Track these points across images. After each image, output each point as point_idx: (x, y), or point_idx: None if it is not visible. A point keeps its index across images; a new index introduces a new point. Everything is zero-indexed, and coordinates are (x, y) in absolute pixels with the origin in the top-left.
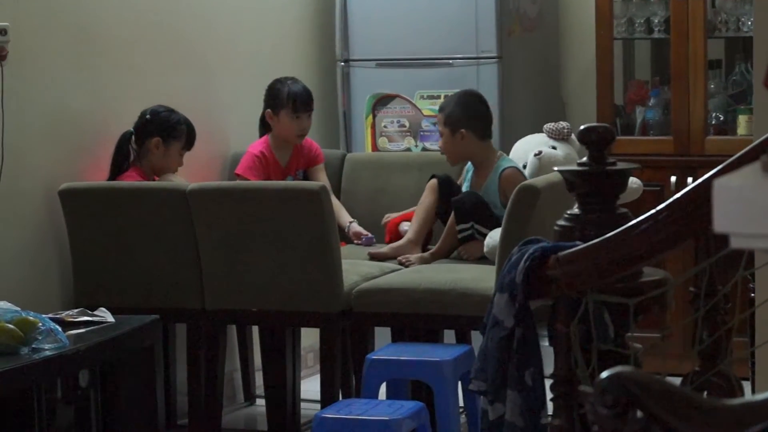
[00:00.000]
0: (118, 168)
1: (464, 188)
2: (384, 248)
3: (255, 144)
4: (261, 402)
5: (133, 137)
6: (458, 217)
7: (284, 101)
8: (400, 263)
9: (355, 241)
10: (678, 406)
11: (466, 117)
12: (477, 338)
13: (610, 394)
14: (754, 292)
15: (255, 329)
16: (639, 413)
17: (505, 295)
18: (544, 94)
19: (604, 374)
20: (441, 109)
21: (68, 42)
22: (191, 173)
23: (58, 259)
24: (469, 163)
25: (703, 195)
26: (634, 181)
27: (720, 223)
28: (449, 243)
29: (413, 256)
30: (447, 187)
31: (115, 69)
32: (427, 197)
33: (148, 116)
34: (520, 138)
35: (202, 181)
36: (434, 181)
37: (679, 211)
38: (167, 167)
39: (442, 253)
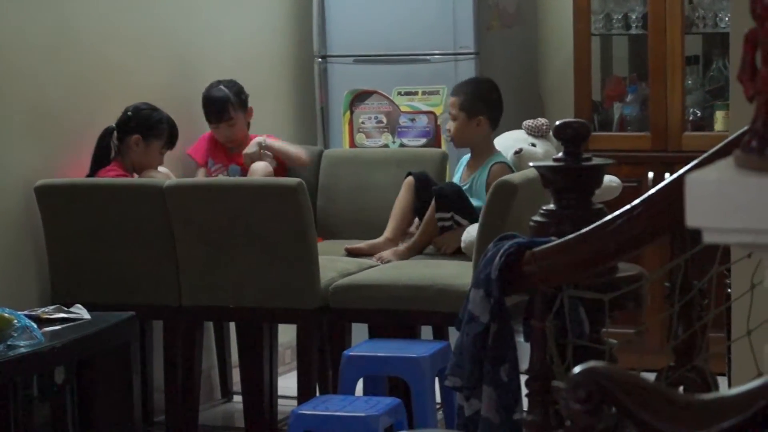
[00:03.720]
0: (98, 163)
1: (456, 176)
2: (361, 244)
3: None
4: (238, 398)
5: (115, 133)
6: (438, 206)
7: (203, 110)
8: (378, 260)
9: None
10: (651, 401)
11: (485, 104)
12: (454, 334)
13: (583, 389)
14: (730, 288)
15: (232, 326)
16: (612, 408)
17: (480, 291)
18: (522, 90)
19: (577, 369)
20: (455, 93)
21: (47, 37)
22: (168, 166)
23: (34, 256)
24: (465, 156)
25: (677, 190)
26: (613, 180)
27: (693, 218)
28: (427, 235)
29: (387, 252)
30: (424, 185)
31: (93, 65)
32: (404, 195)
33: (129, 113)
34: (499, 134)
35: (180, 175)
36: (411, 178)
37: (654, 207)
38: (147, 165)
39: (418, 246)
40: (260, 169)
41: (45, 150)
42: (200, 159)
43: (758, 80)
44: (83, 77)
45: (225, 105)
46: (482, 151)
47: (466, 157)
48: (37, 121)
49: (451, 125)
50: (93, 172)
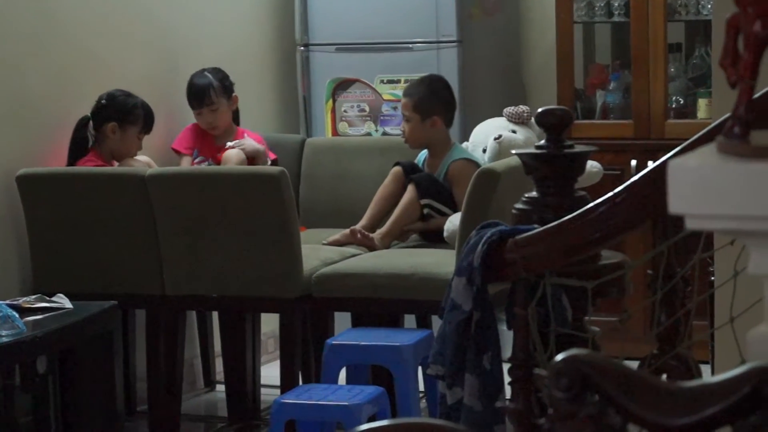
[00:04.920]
0: (75, 154)
1: None
2: (336, 235)
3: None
4: (221, 388)
5: (90, 122)
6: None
7: (186, 96)
8: (362, 243)
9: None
10: (634, 389)
11: (438, 104)
12: (437, 323)
13: (565, 376)
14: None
15: (215, 315)
16: (595, 396)
17: (463, 279)
18: (504, 78)
19: (559, 357)
20: (408, 94)
21: (28, 26)
22: (151, 157)
23: (16, 245)
24: (425, 150)
25: (660, 177)
26: (594, 165)
27: (675, 204)
28: (405, 220)
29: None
30: (412, 175)
31: (74, 53)
32: (390, 184)
33: (103, 101)
34: (481, 122)
35: (163, 165)
36: (399, 168)
37: (637, 194)
38: (125, 152)
39: (394, 232)
40: (233, 156)
41: (26, 139)
42: (184, 149)
43: (740, 66)
44: (65, 67)
45: (207, 90)
46: (439, 149)
47: (424, 152)
48: (18, 110)
49: (405, 126)
50: (71, 163)
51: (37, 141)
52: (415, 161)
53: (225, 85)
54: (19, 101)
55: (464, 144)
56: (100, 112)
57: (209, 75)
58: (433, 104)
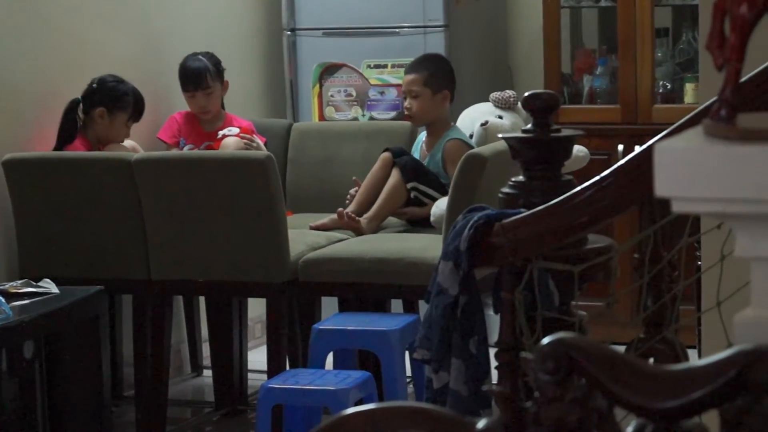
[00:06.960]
0: (65, 137)
1: (414, 155)
2: (324, 219)
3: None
4: (208, 373)
5: (81, 105)
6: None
7: (179, 79)
8: (348, 225)
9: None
10: (620, 372)
11: (449, 78)
12: (425, 308)
13: (551, 360)
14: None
15: (202, 300)
16: (581, 379)
17: (449, 263)
18: (491, 63)
19: (545, 340)
20: (415, 71)
21: (8, 10)
22: (137, 141)
23: (2, 230)
24: (423, 133)
25: (647, 161)
26: (580, 150)
27: (662, 187)
28: (392, 203)
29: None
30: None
31: (57, 37)
32: (378, 170)
33: (94, 85)
34: (467, 107)
35: (149, 151)
36: (388, 154)
37: (623, 178)
38: (112, 137)
39: (381, 215)
40: (232, 144)
41: (11, 124)
42: (169, 139)
43: (727, 49)
44: (49, 51)
45: (203, 73)
46: (439, 128)
47: (422, 135)
48: (2, 95)
49: (412, 103)
50: (59, 147)
51: (21, 126)
52: (414, 143)
53: (219, 69)
54: (3, 86)
55: None
56: (90, 96)
57: (203, 58)
58: (443, 79)
